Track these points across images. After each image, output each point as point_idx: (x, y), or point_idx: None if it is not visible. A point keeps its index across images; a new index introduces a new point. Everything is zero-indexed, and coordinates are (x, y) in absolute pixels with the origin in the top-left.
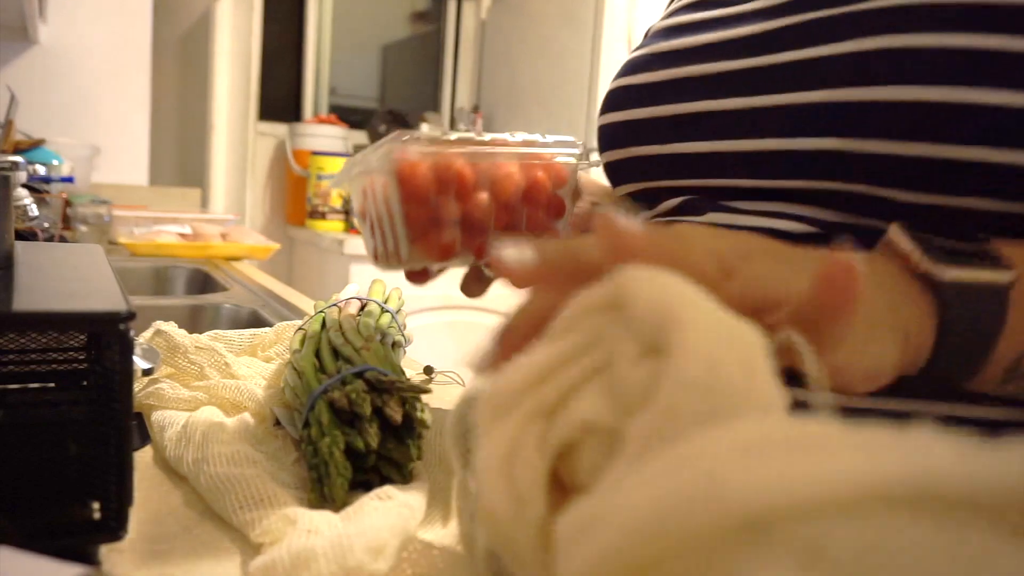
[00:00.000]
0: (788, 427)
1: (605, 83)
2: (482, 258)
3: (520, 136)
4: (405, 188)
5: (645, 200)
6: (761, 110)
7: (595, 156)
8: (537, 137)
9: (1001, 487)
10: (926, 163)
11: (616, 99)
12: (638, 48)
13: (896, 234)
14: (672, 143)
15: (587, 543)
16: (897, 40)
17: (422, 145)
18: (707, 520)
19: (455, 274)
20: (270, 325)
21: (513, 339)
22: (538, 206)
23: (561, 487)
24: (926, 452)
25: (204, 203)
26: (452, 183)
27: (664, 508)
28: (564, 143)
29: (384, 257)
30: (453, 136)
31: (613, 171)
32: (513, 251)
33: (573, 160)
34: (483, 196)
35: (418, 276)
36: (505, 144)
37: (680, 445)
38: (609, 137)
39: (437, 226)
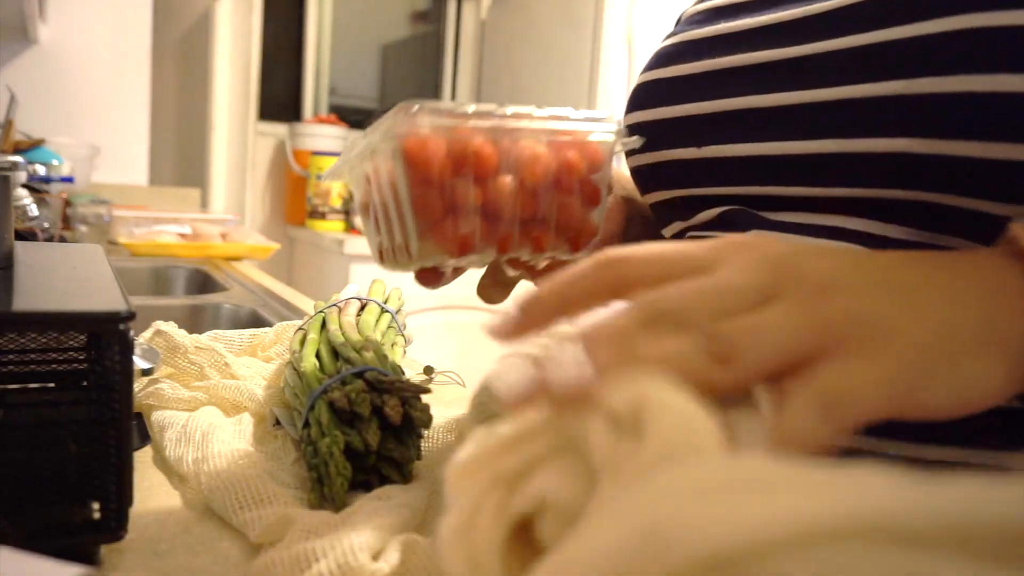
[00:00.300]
0: (733, 468)
1: (605, 83)
2: (506, 252)
3: (547, 110)
4: (414, 169)
5: (678, 210)
6: (819, 106)
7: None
8: (568, 111)
9: (944, 520)
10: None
11: (644, 95)
12: (669, 36)
13: (1018, 228)
14: (711, 145)
15: None
16: (995, 19)
17: (434, 118)
18: (661, 568)
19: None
20: (270, 325)
21: (538, 310)
22: (570, 192)
23: (529, 548)
24: (864, 488)
25: (204, 203)
26: (470, 164)
27: (618, 559)
28: (599, 119)
29: (391, 255)
30: (470, 108)
31: (641, 177)
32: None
33: (611, 138)
34: (507, 180)
35: (430, 277)
36: (531, 119)
37: (631, 492)
38: None
39: (453, 214)
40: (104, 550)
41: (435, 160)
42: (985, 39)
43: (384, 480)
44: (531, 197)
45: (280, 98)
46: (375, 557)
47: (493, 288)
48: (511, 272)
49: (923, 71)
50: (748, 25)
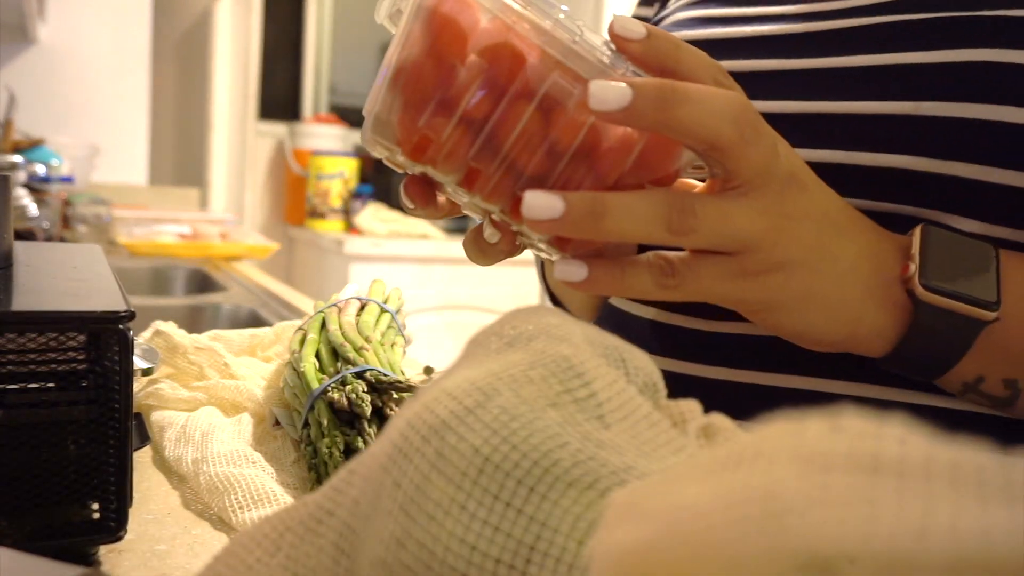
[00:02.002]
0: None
1: None
2: (471, 191)
3: (601, 44)
4: (436, 31)
5: None
6: (823, 117)
7: None
8: (620, 61)
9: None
10: (1021, 194)
11: None
12: None
13: (917, 236)
14: None
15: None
16: (1003, 56)
17: None
18: (769, 547)
19: (453, 272)
20: (270, 325)
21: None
22: (607, 166)
23: None
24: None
25: (203, 203)
26: (496, 59)
27: (736, 520)
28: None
29: (368, 124)
30: (559, 11)
31: None
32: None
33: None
34: (524, 108)
35: (419, 193)
36: (598, 58)
37: (753, 460)
38: None
39: (440, 105)
40: (103, 550)
41: (459, 33)
42: (991, 72)
43: None
44: (544, 154)
45: (280, 98)
46: None
47: (485, 244)
48: (489, 233)
49: (931, 95)
50: (745, 33)
